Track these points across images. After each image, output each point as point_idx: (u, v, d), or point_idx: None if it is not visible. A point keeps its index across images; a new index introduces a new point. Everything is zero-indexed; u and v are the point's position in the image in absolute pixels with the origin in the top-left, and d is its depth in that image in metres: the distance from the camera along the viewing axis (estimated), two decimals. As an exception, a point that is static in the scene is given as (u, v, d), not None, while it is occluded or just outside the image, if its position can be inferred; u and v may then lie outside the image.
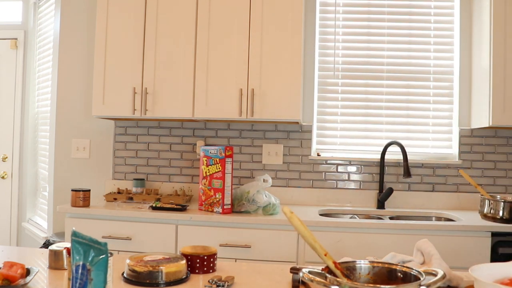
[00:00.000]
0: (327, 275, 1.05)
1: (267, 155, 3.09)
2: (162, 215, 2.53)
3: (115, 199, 2.86)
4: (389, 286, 0.96)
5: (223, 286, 1.22)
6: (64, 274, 1.33)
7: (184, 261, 1.31)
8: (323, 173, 3.07)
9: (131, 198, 2.89)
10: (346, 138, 3.11)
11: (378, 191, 2.99)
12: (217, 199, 2.55)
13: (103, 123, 3.23)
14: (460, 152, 3.01)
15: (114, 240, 2.52)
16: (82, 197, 2.62)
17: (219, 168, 2.54)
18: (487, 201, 2.35)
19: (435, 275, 1.03)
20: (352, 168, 3.06)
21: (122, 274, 1.29)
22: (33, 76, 3.72)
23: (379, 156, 2.99)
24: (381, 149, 2.97)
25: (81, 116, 3.26)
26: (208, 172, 2.60)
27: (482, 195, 2.39)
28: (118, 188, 3.05)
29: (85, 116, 3.24)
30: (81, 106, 3.26)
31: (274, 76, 2.72)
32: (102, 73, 2.84)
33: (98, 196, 3.03)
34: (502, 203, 2.29)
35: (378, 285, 1.07)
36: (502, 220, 2.28)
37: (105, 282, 0.91)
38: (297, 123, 2.95)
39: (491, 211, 2.32)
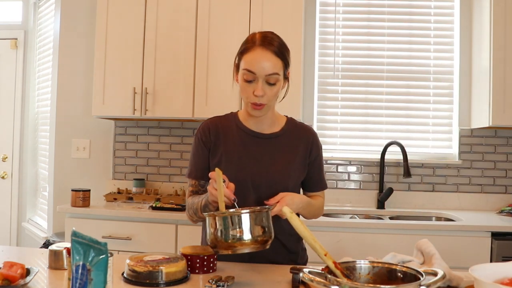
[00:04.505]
0: (327, 275, 1.05)
1: (267, 155, 3.08)
2: (162, 215, 2.53)
3: (115, 199, 2.86)
4: (389, 286, 0.96)
5: (223, 286, 1.22)
6: (64, 274, 1.33)
7: (184, 261, 1.31)
8: (323, 173, 3.07)
9: (131, 198, 2.89)
10: (346, 138, 3.10)
11: (378, 191, 2.99)
12: (217, 199, 2.53)
13: (103, 123, 3.23)
14: (460, 152, 3.01)
15: (114, 240, 2.52)
16: (82, 197, 2.62)
17: (219, 168, 2.53)
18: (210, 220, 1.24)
19: (435, 275, 1.03)
20: (352, 168, 3.06)
21: (122, 274, 1.29)
22: (33, 76, 3.72)
23: (379, 156, 2.99)
24: (381, 149, 2.96)
25: (81, 116, 3.26)
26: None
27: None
28: (118, 188, 3.05)
29: (85, 116, 3.24)
30: (81, 106, 3.26)
31: (274, 76, 2.72)
32: (102, 73, 2.84)
33: (98, 196, 3.03)
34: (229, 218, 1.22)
35: (378, 285, 1.07)
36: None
37: (105, 282, 0.91)
38: (297, 123, 2.94)
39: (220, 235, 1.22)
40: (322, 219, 2.51)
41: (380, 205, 2.92)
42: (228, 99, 2.74)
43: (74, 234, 0.95)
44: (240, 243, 1.21)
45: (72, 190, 2.63)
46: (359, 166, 3.06)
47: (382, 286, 1.03)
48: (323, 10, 3.13)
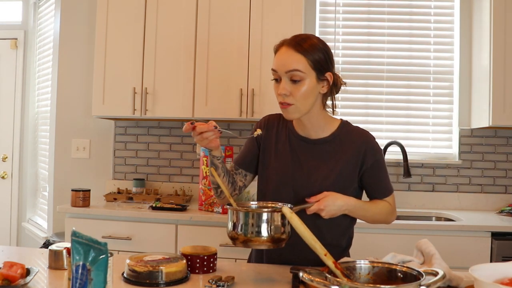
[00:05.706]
0: (327, 275, 1.05)
1: (267, 155, 3.08)
2: (162, 215, 2.53)
3: (115, 199, 2.86)
4: (389, 286, 0.96)
5: (223, 286, 1.22)
6: (64, 274, 1.33)
7: (184, 261, 1.31)
8: (323, 173, 3.07)
9: (131, 198, 2.89)
10: (346, 138, 3.10)
11: (378, 191, 2.99)
12: (217, 199, 2.53)
13: (103, 123, 3.23)
14: (460, 152, 3.01)
15: (114, 240, 2.52)
16: (82, 197, 2.62)
17: (219, 168, 2.53)
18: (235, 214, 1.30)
19: (435, 275, 1.03)
20: (352, 168, 3.06)
21: (122, 274, 1.29)
22: (33, 76, 3.72)
23: (379, 156, 2.98)
24: (381, 149, 2.96)
25: (81, 116, 3.26)
26: (208, 172, 2.59)
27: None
28: (118, 188, 3.05)
29: (85, 116, 3.24)
30: (81, 106, 3.26)
31: (274, 76, 2.72)
32: (102, 73, 2.84)
33: (98, 196, 3.03)
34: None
35: (378, 285, 1.07)
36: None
37: (105, 282, 0.91)
38: (297, 123, 2.94)
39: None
40: (322, 219, 2.51)
41: (380, 205, 2.91)
42: (228, 99, 2.74)
43: (74, 234, 0.95)
44: (256, 239, 1.26)
45: (72, 190, 2.63)
46: (359, 166, 3.05)
47: (382, 286, 1.03)
48: (323, 10, 3.13)
